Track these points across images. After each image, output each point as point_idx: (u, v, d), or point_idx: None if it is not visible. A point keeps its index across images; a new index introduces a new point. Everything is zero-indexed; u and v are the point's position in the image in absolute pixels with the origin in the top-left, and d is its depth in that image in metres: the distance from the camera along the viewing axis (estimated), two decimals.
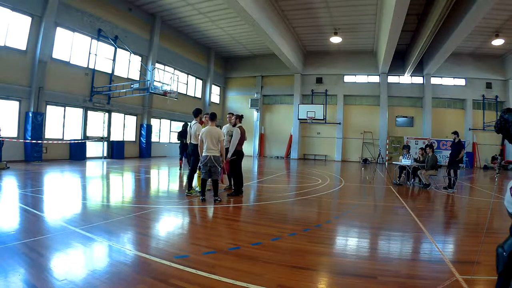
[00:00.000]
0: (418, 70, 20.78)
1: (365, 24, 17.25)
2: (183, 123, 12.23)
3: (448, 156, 9.37)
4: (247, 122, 16.57)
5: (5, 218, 4.24)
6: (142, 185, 8.38)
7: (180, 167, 11.78)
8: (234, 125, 6.78)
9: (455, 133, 8.87)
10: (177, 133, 12.50)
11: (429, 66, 19.54)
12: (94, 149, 14.98)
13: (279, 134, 24.40)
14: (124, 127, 16.98)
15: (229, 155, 6.49)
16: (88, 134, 14.68)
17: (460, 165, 9.09)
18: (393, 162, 14.07)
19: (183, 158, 11.56)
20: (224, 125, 7.43)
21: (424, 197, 7.70)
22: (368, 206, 6.40)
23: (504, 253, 1.71)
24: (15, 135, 11.67)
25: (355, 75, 22.92)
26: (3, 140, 10.07)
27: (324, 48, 21.97)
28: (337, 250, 3.60)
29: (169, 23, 18.68)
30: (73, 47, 13.62)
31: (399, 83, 22.26)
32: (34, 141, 11.69)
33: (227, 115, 7.21)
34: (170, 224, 4.52)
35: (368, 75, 22.62)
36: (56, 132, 13.26)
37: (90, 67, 14.43)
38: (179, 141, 11.78)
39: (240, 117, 6.83)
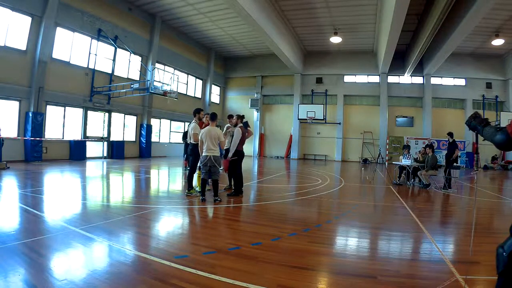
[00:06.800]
0: (418, 70, 20.78)
1: (365, 24, 17.25)
2: (188, 123, 12.17)
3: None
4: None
5: (5, 218, 4.24)
6: (142, 185, 8.38)
7: (185, 167, 11.72)
8: (235, 125, 6.80)
9: (450, 134, 9.20)
10: (182, 134, 12.37)
11: (429, 66, 19.54)
12: (94, 149, 14.99)
13: (279, 134, 24.41)
14: (124, 127, 16.98)
15: (230, 154, 6.51)
16: (88, 134, 14.67)
17: (455, 164, 9.26)
18: (393, 162, 14.06)
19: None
20: (226, 124, 7.46)
21: (424, 197, 7.69)
22: (368, 206, 6.40)
23: (504, 253, 1.71)
24: (15, 135, 11.67)
25: (355, 75, 22.91)
26: (3, 140, 10.08)
27: (324, 48, 21.97)
28: (337, 250, 3.60)
29: (169, 23, 18.68)
30: (73, 47, 13.63)
31: (399, 83, 22.26)
32: (33, 139, 11.69)
33: (233, 118, 7.10)
34: (170, 224, 4.52)
35: (368, 75, 22.62)
36: (56, 132, 13.27)
37: (90, 67, 14.43)
38: (183, 142, 11.67)
39: (241, 117, 6.86)
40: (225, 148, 6.92)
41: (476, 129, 2.05)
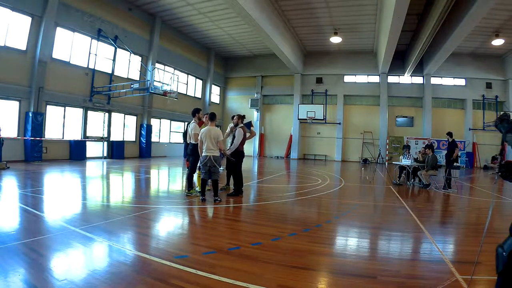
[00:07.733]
0: (418, 70, 20.77)
1: (365, 24, 17.24)
2: (187, 123, 12.17)
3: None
4: None
5: (5, 218, 4.24)
6: (142, 185, 8.38)
7: (187, 168, 11.69)
8: (236, 125, 6.81)
9: (449, 133, 9.28)
10: (182, 134, 12.27)
11: (429, 66, 19.53)
12: (94, 149, 14.98)
13: (279, 134, 24.40)
14: (124, 127, 16.98)
15: (228, 152, 6.53)
16: (88, 134, 14.67)
17: (455, 164, 9.32)
18: (393, 162, 14.07)
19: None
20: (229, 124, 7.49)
21: (424, 197, 7.69)
22: (368, 206, 6.40)
23: (504, 253, 1.71)
24: (15, 135, 11.67)
25: (355, 75, 22.91)
26: (3, 140, 10.08)
27: (324, 48, 21.97)
28: (337, 250, 3.60)
29: (169, 23, 18.68)
30: (73, 47, 13.62)
31: (399, 83, 22.26)
32: (33, 139, 11.69)
33: (234, 118, 7.09)
34: (170, 224, 4.52)
35: (368, 75, 22.61)
36: (56, 132, 13.27)
37: (90, 67, 14.42)
38: (183, 142, 11.62)
39: (242, 117, 6.87)
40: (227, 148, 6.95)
41: (501, 132, 2.05)
